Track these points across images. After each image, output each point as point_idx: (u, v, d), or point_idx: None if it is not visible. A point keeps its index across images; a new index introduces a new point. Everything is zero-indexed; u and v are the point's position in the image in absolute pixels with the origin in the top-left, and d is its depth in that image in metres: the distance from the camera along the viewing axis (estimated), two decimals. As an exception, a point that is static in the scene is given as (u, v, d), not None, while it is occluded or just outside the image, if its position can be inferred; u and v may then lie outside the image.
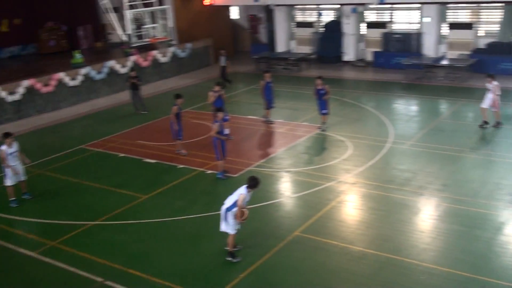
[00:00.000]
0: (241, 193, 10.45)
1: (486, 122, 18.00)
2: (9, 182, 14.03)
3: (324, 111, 18.49)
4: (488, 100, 17.79)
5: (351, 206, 13.20)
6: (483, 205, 12.70)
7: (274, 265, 10.68)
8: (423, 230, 11.75)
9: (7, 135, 13.87)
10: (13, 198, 14.16)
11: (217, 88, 17.88)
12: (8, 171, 13.89)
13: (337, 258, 10.81)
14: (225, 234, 10.87)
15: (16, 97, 22.25)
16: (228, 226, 10.71)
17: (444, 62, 26.16)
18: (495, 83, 17.78)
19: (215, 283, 10.21)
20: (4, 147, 13.73)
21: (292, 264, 10.70)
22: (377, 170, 15.14)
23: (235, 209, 10.48)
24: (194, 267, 10.74)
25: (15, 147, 13.93)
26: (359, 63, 30.51)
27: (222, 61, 26.69)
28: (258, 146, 17.88)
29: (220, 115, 14.61)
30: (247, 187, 10.49)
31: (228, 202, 10.61)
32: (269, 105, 19.76)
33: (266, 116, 20.01)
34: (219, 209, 11.08)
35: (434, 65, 26.23)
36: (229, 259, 10.89)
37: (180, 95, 16.77)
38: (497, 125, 17.97)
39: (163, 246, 11.65)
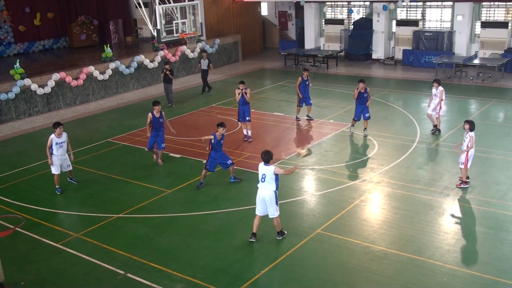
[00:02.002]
0: (273, 170, 10.78)
1: (435, 127, 17.86)
2: (54, 170, 14.33)
3: (367, 115, 17.83)
4: (433, 105, 17.56)
5: (374, 205, 13.05)
6: (511, 207, 12.46)
7: (296, 262, 10.65)
8: (448, 231, 11.57)
9: (57, 124, 14.17)
10: (57, 186, 14.51)
11: (241, 86, 17.68)
12: (53, 160, 14.16)
13: (358, 257, 10.71)
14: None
15: (46, 90, 22.57)
16: (276, 209, 11.06)
17: (476, 62, 25.69)
18: (441, 88, 17.46)
19: (237, 278, 10.20)
20: (52, 136, 14.06)
21: (314, 261, 10.66)
22: (403, 170, 14.96)
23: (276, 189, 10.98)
24: (215, 262, 10.75)
25: (63, 137, 14.21)
26: (388, 61, 30.22)
27: (204, 64, 24.92)
28: (282, 143, 17.82)
29: (220, 130, 13.77)
30: (269, 162, 10.88)
31: (270, 186, 10.86)
32: (301, 103, 19.69)
33: (307, 113, 19.99)
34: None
35: (465, 64, 25.79)
36: (281, 237, 11.35)
37: (157, 102, 15.90)
38: (435, 131, 17.79)
39: (186, 241, 11.69)
